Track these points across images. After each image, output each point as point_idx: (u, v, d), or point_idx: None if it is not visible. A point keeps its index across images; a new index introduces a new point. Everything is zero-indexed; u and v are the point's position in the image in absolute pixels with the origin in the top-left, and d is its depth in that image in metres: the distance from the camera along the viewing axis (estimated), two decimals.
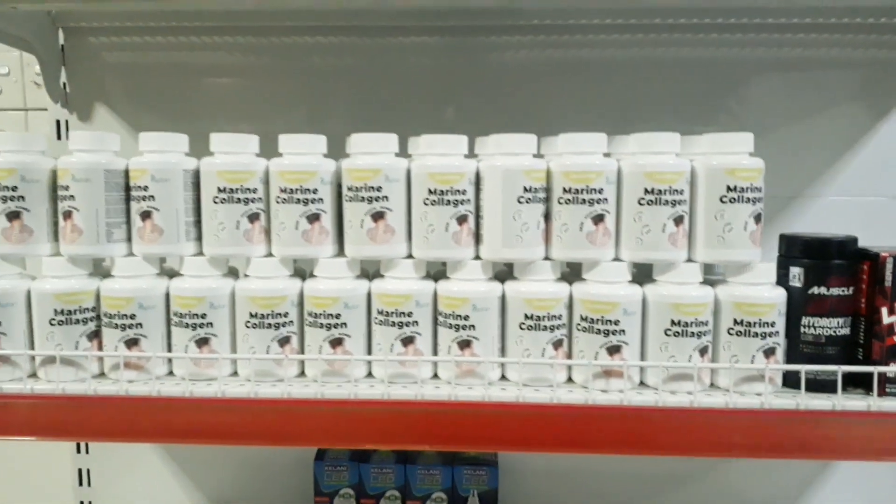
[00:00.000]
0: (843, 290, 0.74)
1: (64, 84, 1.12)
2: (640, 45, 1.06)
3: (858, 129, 1.05)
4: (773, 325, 0.73)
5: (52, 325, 0.76)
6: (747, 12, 1.03)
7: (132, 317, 0.76)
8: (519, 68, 1.07)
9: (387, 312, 0.76)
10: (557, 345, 0.75)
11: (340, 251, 0.80)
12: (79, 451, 1.19)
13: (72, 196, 0.76)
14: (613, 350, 0.74)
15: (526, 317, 0.75)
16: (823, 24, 1.04)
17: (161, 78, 1.11)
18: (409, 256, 0.78)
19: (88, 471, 1.19)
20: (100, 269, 0.81)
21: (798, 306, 0.74)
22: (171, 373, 0.79)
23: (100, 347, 0.78)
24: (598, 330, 0.74)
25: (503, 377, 0.78)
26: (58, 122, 1.13)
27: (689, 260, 0.75)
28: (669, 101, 1.06)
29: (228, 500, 1.19)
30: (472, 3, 1.00)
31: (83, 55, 1.12)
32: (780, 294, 0.74)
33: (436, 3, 1.00)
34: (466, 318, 0.75)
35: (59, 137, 1.13)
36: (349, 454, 1.10)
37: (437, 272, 0.82)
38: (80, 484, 1.20)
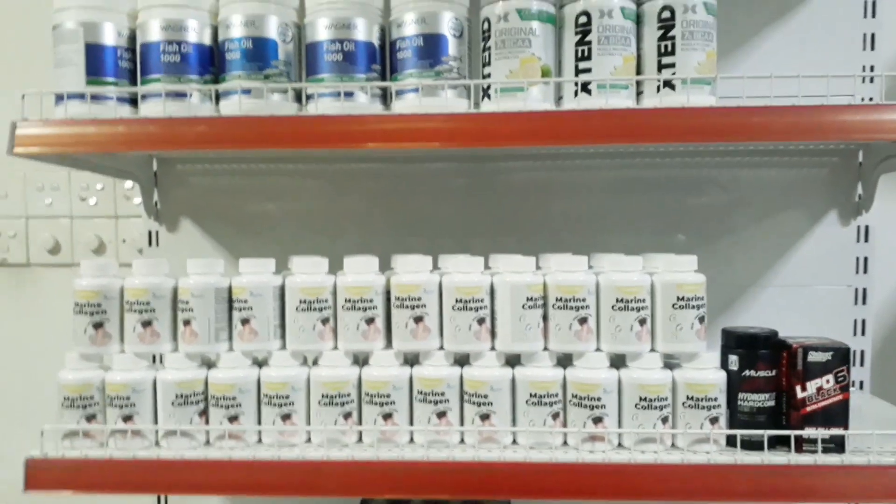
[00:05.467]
0: (768, 373, 0.98)
1: (156, 202, 1.40)
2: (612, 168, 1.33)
3: (793, 232, 1.31)
4: (716, 399, 0.98)
5: (173, 406, 1.01)
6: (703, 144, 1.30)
7: (234, 398, 1.01)
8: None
9: (425, 392, 1.01)
10: (555, 416, 1.00)
11: (388, 345, 1.05)
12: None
13: (191, 309, 1.02)
14: (597, 420, 0.98)
15: (531, 395, 1.00)
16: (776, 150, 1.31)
17: (237, 197, 1.39)
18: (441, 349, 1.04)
19: None
20: (205, 362, 1.06)
21: (735, 385, 0.99)
22: (259, 440, 1.04)
23: (206, 423, 1.03)
24: (586, 405, 0.98)
25: (514, 442, 1.02)
26: (150, 233, 1.40)
27: (652, 350, 1.00)
28: (634, 215, 1.33)
29: None
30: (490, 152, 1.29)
31: (172, 179, 1.40)
32: (722, 376, 0.99)
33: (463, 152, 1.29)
34: (486, 396, 1.00)
35: (149, 244, 1.40)
36: None
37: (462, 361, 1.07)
38: None
